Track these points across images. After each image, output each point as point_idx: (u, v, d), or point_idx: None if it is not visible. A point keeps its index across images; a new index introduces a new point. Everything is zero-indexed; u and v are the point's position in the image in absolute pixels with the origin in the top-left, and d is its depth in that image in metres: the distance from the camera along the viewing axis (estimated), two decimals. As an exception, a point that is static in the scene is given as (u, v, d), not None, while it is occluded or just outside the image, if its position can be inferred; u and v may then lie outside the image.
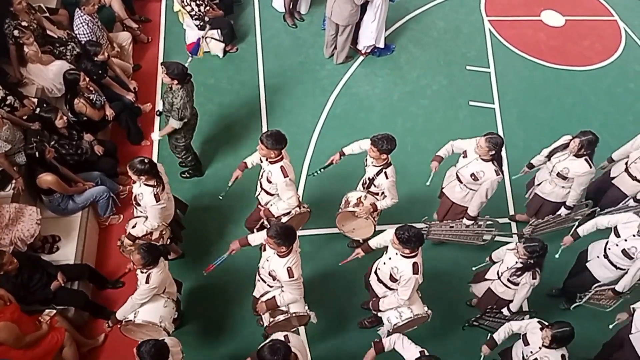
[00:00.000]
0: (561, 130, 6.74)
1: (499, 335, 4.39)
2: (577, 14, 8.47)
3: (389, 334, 4.59)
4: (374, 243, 4.62)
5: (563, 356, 4.09)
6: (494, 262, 4.92)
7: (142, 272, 4.22)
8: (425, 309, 4.58)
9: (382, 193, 4.99)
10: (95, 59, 5.95)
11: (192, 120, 5.64)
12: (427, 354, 3.85)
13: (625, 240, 4.69)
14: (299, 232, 5.24)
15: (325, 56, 7.55)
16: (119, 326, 4.44)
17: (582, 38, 8.15)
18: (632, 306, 4.60)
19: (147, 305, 4.34)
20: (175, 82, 5.20)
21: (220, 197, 5.06)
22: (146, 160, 4.46)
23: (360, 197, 5.03)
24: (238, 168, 5.05)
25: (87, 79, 5.66)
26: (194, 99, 5.52)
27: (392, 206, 4.99)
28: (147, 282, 4.19)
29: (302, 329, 5.16)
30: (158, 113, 5.45)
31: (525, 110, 7.19)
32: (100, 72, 6.05)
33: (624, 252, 4.70)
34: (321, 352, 5.13)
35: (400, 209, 5.11)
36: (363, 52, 7.58)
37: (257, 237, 4.49)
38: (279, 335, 3.81)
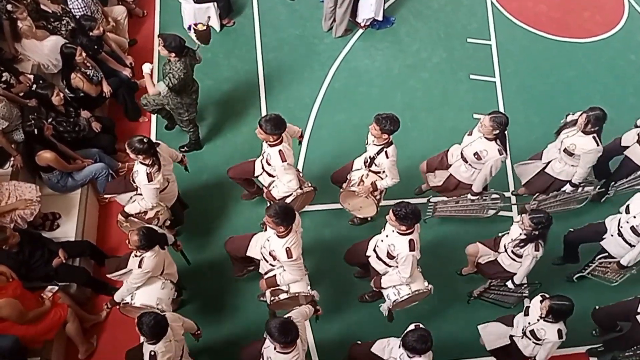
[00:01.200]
0: (562, 104, 6.75)
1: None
2: (579, -15, 8.34)
3: (389, 310, 4.66)
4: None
5: (559, 331, 4.14)
6: None
7: (135, 257, 4.23)
8: (426, 284, 4.62)
9: (384, 171, 4.98)
10: (91, 34, 5.86)
11: (194, 94, 5.59)
12: (421, 326, 3.91)
13: (635, 217, 4.70)
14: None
15: (323, 29, 7.44)
16: (118, 307, 4.49)
17: (583, 9, 8.03)
18: None
19: (144, 288, 4.37)
20: (173, 54, 5.14)
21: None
22: (145, 140, 4.43)
23: (362, 176, 5.02)
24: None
25: (84, 53, 5.58)
26: (193, 72, 5.46)
27: (392, 186, 4.99)
28: (139, 266, 4.19)
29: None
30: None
31: (526, 84, 7.12)
32: (95, 47, 5.96)
33: (632, 229, 4.72)
34: (324, 327, 5.18)
35: (401, 186, 5.09)
36: (362, 25, 7.46)
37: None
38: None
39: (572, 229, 5.32)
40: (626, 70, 7.37)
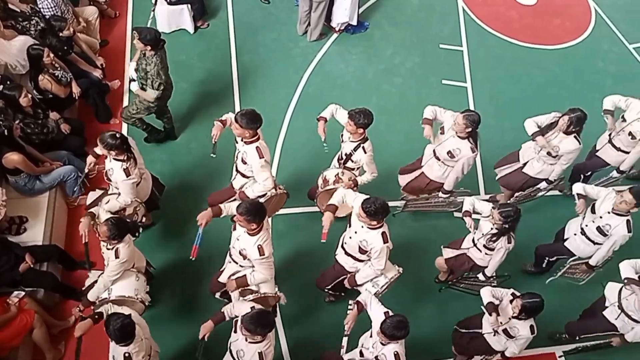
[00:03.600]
0: (532, 109, 6.82)
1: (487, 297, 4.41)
2: (549, -8, 8.54)
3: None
4: (335, 200, 4.47)
5: (531, 327, 4.22)
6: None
7: (108, 249, 4.18)
8: (396, 267, 4.67)
9: (359, 168, 5.00)
10: (60, 34, 5.76)
11: (168, 89, 5.57)
12: (391, 314, 3.94)
13: (601, 217, 4.82)
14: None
15: (298, 33, 7.45)
16: (92, 308, 4.39)
17: (553, 16, 8.23)
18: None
19: (119, 282, 4.31)
20: (149, 48, 5.09)
21: (213, 155, 4.84)
22: (117, 135, 4.39)
23: (337, 174, 5.03)
24: (217, 123, 4.80)
25: (52, 54, 5.48)
26: (168, 66, 5.42)
27: (372, 180, 5.00)
28: (116, 256, 4.14)
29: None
30: (131, 79, 5.38)
31: (497, 89, 7.25)
32: (65, 47, 5.86)
33: (598, 229, 4.84)
34: (294, 328, 5.19)
35: (374, 187, 5.12)
36: (337, 29, 7.51)
37: (230, 207, 4.33)
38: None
39: (541, 244, 5.47)
40: (594, 76, 7.56)
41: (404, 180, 5.61)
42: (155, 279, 5.13)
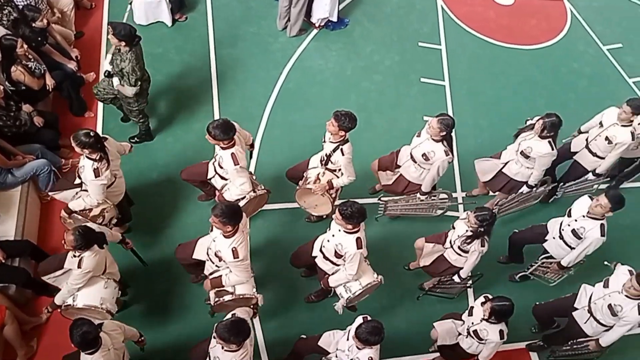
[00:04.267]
0: (508, 108, 7.00)
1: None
2: (526, -7, 8.65)
3: (345, 307, 4.71)
4: None
5: (501, 331, 4.27)
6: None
7: (73, 257, 4.07)
8: (375, 275, 4.68)
9: (340, 170, 5.01)
10: (34, 25, 5.62)
11: (144, 84, 5.47)
12: (368, 319, 3.96)
13: (576, 220, 4.90)
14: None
15: (278, 28, 7.42)
16: (59, 310, 4.33)
17: (530, 17, 8.34)
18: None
19: (86, 288, 4.24)
20: (123, 43, 5.00)
21: None
22: (92, 134, 4.30)
23: (318, 174, 5.04)
24: None
25: (25, 45, 5.35)
26: (144, 62, 5.34)
27: (348, 184, 5.02)
28: (79, 266, 4.05)
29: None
30: (106, 74, 5.27)
31: (475, 88, 7.33)
32: (39, 39, 5.73)
33: (573, 232, 4.92)
34: (273, 327, 5.18)
35: (353, 185, 5.14)
36: (317, 25, 7.49)
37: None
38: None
39: (516, 230, 5.51)
40: (569, 77, 7.69)
41: (383, 179, 5.63)
42: (130, 276, 5.07)
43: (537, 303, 5.19)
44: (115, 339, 3.85)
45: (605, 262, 5.02)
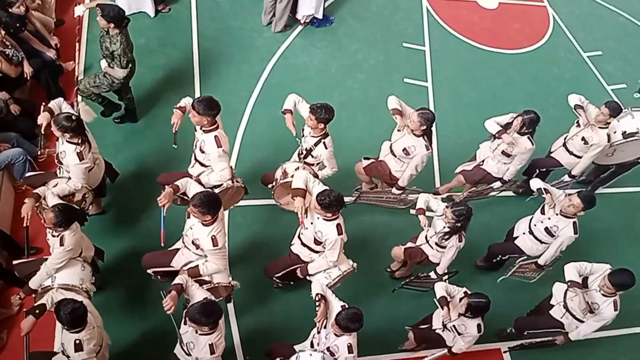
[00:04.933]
0: (489, 111, 7.01)
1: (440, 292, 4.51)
2: (510, -2, 8.76)
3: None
4: (300, 183, 4.42)
5: (479, 325, 4.36)
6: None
7: (53, 236, 4.05)
8: (350, 262, 4.71)
9: (319, 164, 5.01)
10: (11, 10, 5.50)
11: (134, 67, 5.47)
12: (347, 306, 3.98)
13: (549, 218, 4.99)
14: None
15: (263, 23, 7.38)
16: (33, 296, 4.25)
17: (513, 22, 8.44)
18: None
19: (64, 270, 4.18)
20: (112, 25, 4.94)
21: (175, 146, 4.73)
22: (73, 117, 4.27)
23: (297, 168, 5.02)
24: (177, 109, 4.69)
25: (3, 31, 5.23)
26: (132, 44, 5.29)
27: (331, 175, 5.02)
28: (61, 244, 4.02)
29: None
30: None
31: (456, 90, 7.39)
32: (17, 25, 5.60)
33: (546, 229, 5.02)
34: (246, 319, 5.16)
35: (334, 181, 5.14)
36: (302, 21, 7.47)
37: (185, 183, 4.24)
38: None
39: (494, 243, 5.63)
40: (549, 82, 7.81)
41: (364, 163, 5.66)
42: (105, 268, 5.00)
43: (518, 317, 5.29)
44: (97, 318, 3.85)
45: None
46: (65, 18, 6.76)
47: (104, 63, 5.26)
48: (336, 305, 4.05)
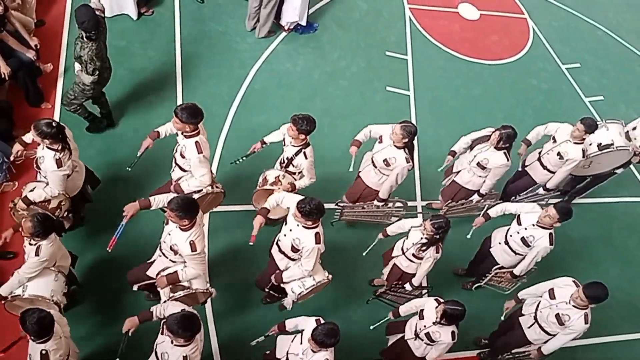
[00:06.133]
0: (468, 120, 7.16)
1: (403, 310, 4.66)
2: (491, 9, 8.89)
3: (294, 303, 4.71)
4: (269, 204, 4.54)
5: (453, 333, 4.38)
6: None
7: (30, 244, 3.98)
8: (326, 274, 4.71)
9: (300, 172, 5.02)
10: (-10, 9, 5.42)
11: (105, 73, 5.36)
12: (322, 321, 3.98)
13: (526, 228, 5.05)
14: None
15: (246, 28, 7.38)
16: (3, 302, 4.18)
17: (493, 33, 8.58)
18: (519, 294, 4.97)
19: (36, 280, 4.11)
20: (83, 33, 4.88)
21: (129, 169, 4.84)
22: (54, 124, 4.20)
23: (278, 176, 5.02)
24: (149, 136, 4.82)
25: (-20, 30, 5.15)
26: (106, 48, 5.22)
27: (309, 185, 5.02)
28: (36, 254, 3.95)
29: (208, 305, 5.12)
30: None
31: (437, 99, 7.48)
32: (-5, 24, 5.51)
33: (522, 239, 5.06)
34: (225, 325, 5.14)
35: (315, 189, 5.15)
36: (286, 28, 7.49)
37: (160, 199, 4.26)
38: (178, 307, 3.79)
39: (472, 261, 5.72)
40: (527, 93, 7.95)
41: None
42: (79, 276, 4.93)
43: (493, 333, 5.35)
44: (65, 327, 3.79)
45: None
46: (46, 19, 6.68)
47: (77, 66, 5.20)
48: (310, 321, 4.04)
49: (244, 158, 5.18)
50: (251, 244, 4.34)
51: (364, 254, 4.90)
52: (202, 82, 6.72)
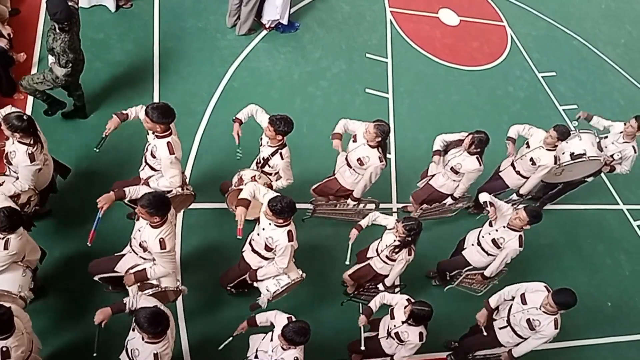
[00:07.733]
0: (446, 125, 7.23)
1: (374, 303, 4.67)
2: (471, 16, 8.99)
3: (269, 302, 4.69)
4: (246, 194, 4.42)
5: (421, 334, 4.42)
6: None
7: None
8: (300, 272, 4.71)
9: (277, 173, 5.00)
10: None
11: (79, 65, 5.26)
12: (294, 319, 3.98)
13: (497, 230, 5.13)
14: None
15: (227, 25, 7.33)
16: None
17: (473, 39, 8.68)
18: (490, 302, 4.98)
19: (4, 274, 4.01)
20: (56, 24, 4.78)
21: (96, 150, 4.66)
22: (24, 117, 4.09)
23: (254, 176, 4.99)
24: (116, 116, 4.61)
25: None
26: (80, 40, 5.12)
27: (287, 187, 5.01)
28: (5, 248, 3.87)
29: (180, 303, 5.06)
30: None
31: (416, 103, 7.53)
32: (-33, 11, 5.37)
33: (493, 241, 5.15)
34: (196, 324, 5.09)
35: (292, 189, 5.14)
36: (267, 26, 7.45)
37: (135, 190, 4.16)
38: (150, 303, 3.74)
39: (443, 260, 5.75)
40: (504, 99, 8.06)
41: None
42: (48, 269, 4.84)
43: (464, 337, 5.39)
44: (27, 323, 3.70)
45: None
46: (21, 7, 6.53)
47: (51, 59, 5.08)
48: (282, 318, 4.04)
49: (240, 150, 5.00)
50: (239, 237, 4.25)
51: (347, 262, 4.89)
52: (181, 78, 6.65)
